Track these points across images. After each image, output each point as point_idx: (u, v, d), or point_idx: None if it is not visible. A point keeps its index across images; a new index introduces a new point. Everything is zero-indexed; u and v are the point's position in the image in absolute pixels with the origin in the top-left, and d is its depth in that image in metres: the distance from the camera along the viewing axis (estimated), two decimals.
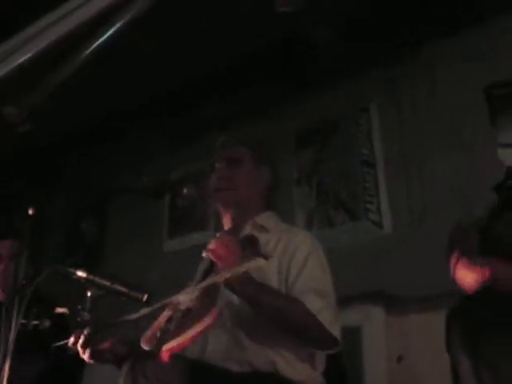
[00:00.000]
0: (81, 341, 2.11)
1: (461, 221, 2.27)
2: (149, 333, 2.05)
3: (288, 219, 3.88)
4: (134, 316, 1.88)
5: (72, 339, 2.12)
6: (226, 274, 1.88)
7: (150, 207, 4.62)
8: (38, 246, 1.92)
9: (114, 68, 3.87)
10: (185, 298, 1.98)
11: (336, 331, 2.02)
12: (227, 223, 2.42)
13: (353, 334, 3.42)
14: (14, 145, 4.50)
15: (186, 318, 1.91)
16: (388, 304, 3.41)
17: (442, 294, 2.71)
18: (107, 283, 1.86)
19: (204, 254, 2.05)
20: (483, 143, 3.31)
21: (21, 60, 3.62)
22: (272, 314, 2.00)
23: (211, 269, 2.06)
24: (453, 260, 2.06)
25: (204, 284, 1.93)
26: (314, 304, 2.00)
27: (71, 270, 1.83)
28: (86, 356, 2.11)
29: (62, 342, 2.10)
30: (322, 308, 2.01)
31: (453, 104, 3.56)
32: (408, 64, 3.77)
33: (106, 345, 2.11)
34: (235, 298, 2.04)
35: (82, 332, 2.13)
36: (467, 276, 1.94)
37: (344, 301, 3.34)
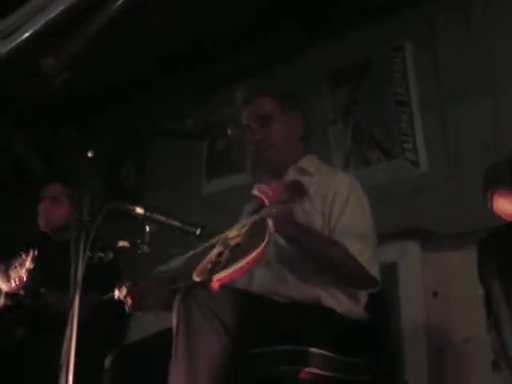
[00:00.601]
0: (123, 293, 2.23)
1: (495, 162, 2.30)
2: (200, 266, 2.17)
3: (325, 160, 3.95)
4: (180, 260, 1.97)
5: (116, 292, 2.24)
6: (272, 209, 1.97)
7: (188, 150, 4.69)
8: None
9: (145, 17, 3.92)
10: (234, 234, 2.09)
11: (375, 272, 2.12)
12: (267, 171, 2.46)
13: (389, 270, 3.50)
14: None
15: (235, 253, 2.01)
16: (423, 241, 3.46)
17: (476, 231, 2.75)
18: (163, 218, 1.96)
19: (254, 192, 2.13)
20: None
21: (55, 12, 3.68)
22: (313, 255, 2.09)
23: (259, 209, 2.12)
24: (489, 194, 2.11)
25: (251, 220, 2.02)
26: (354, 246, 2.09)
27: (129, 206, 1.94)
28: (131, 307, 2.25)
29: (110, 295, 2.22)
30: (361, 250, 2.10)
31: (489, 47, 3.52)
32: (444, 2, 3.72)
33: (147, 291, 2.24)
34: (280, 239, 2.12)
35: (123, 284, 2.25)
36: (505, 205, 1.99)
37: (381, 238, 3.46)
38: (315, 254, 2.09)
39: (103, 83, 4.86)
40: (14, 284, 2.84)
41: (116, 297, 2.26)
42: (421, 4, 3.79)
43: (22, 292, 2.90)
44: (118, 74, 4.76)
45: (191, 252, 1.94)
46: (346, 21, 4.07)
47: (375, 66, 4.03)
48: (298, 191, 2.15)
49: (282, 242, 2.14)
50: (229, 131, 2.18)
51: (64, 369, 1.68)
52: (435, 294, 3.37)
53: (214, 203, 4.33)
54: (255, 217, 2.00)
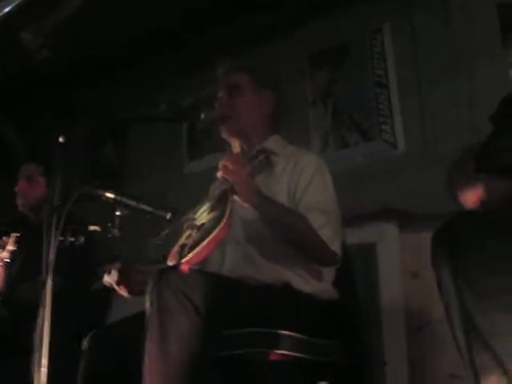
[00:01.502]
0: (114, 278, 2.22)
1: (459, 155, 2.31)
2: (173, 250, 2.19)
3: (304, 140, 3.99)
4: (156, 240, 1.98)
5: (105, 278, 2.23)
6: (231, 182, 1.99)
7: (170, 131, 4.70)
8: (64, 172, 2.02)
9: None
10: (199, 215, 2.10)
11: (336, 247, 2.13)
12: (235, 148, 2.45)
13: (368, 251, 3.54)
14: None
15: (201, 232, 2.03)
16: (402, 222, 3.48)
17: (453, 213, 2.78)
18: (133, 203, 1.97)
19: (218, 174, 2.14)
20: (496, 69, 3.34)
21: None
22: (278, 227, 2.10)
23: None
24: (449, 183, 2.12)
25: (214, 196, 2.03)
26: (316, 220, 2.10)
27: (100, 191, 1.95)
28: (123, 292, 2.23)
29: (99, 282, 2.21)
30: (323, 224, 2.11)
31: (467, 30, 3.55)
32: None
33: (138, 277, 2.21)
34: (246, 214, 2.13)
35: (111, 268, 2.25)
36: (465, 195, 2.01)
37: (359, 219, 3.50)
38: (279, 225, 2.10)
39: (80, 65, 4.83)
40: None
41: (106, 283, 2.24)
42: None
43: None
44: (95, 55, 4.74)
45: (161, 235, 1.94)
46: (326, 3, 4.05)
47: (355, 47, 4.05)
48: (263, 162, 2.16)
49: (247, 217, 2.16)
50: (202, 115, 2.18)
51: (37, 352, 1.70)
52: (414, 275, 3.40)
53: (195, 183, 4.34)
54: (217, 191, 2.02)
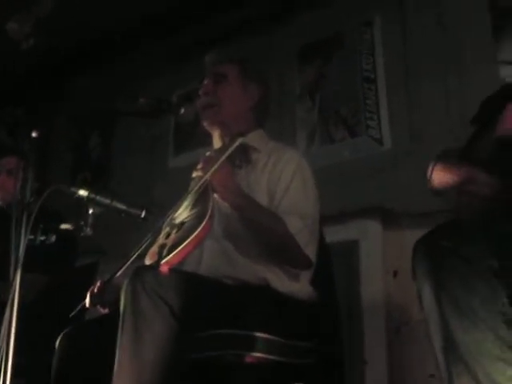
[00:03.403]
0: (88, 301, 2.12)
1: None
2: (152, 249, 2.15)
3: (290, 134, 3.96)
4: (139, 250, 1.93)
5: (87, 299, 2.14)
6: (211, 172, 1.95)
7: (156, 124, 4.66)
8: (43, 165, 1.98)
9: None
10: (179, 214, 2.07)
11: (310, 252, 2.12)
12: (216, 143, 2.42)
13: (351, 248, 3.53)
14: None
15: (182, 232, 2.00)
16: (385, 219, 3.48)
17: (438, 211, 2.76)
18: (107, 201, 1.93)
19: (194, 175, 2.10)
20: (486, 65, 3.32)
21: None
22: (255, 227, 2.08)
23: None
24: (429, 170, 2.07)
25: (193, 194, 2.01)
26: (293, 224, 2.08)
27: (73, 189, 1.91)
28: (103, 311, 2.17)
29: (78, 308, 2.14)
30: (300, 229, 2.09)
31: (457, 24, 3.54)
32: None
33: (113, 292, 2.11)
34: (225, 209, 2.10)
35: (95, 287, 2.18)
36: (444, 176, 1.95)
37: (343, 216, 3.48)
38: (256, 225, 2.08)
39: (65, 53, 4.78)
40: None
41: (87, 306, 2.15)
42: None
43: None
44: (81, 44, 4.69)
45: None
46: None
47: (344, 41, 4.02)
48: (243, 158, 2.16)
49: (226, 213, 2.12)
50: (182, 110, 2.13)
51: (3, 351, 1.66)
52: (395, 274, 3.39)
53: (180, 177, 4.30)
54: (195, 187, 1.98)
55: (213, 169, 1.94)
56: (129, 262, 1.92)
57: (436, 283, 1.60)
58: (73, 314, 2.07)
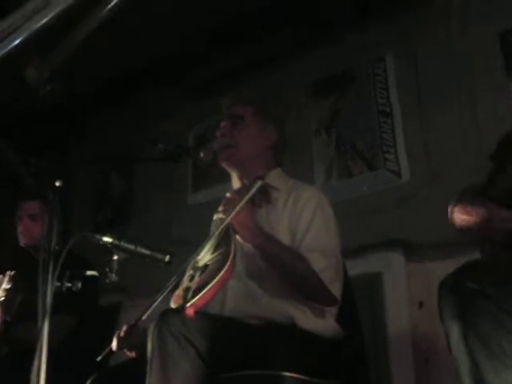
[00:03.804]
0: (115, 345, 2.13)
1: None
2: (176, 292, 2.17)
3: (307, 170, 3.98)
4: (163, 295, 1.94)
5: (114, 343, 2.15)
6: (232, 216, 1.97)
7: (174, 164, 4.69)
8: (65, 207, 2.01)
9: (126, 28, 3.90)
10: (202, 257, 2.09)
11: (336, 291, 2.13)
12: (236, 183, 2.44)
13: (374, 281, 3.52)
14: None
15: (204, 275, 2.01)
16: (408, 251, 3.47)
17: (459, 241, 2.75)
18: (131, 247, 1.96)
19: (215, 217, 2.13)
20: (499, 94, 3.33)
21: (39, 24, 3.67)
22: (278, 266, 2.09)
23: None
24: (450, 211, 2.08)
25: (215, 237, 2.03)
26: (317, 263, 2.09)
27: (98, 236, 1.93)
28: (130, 355, 2.18)
29: (105, 351, 2.16)
30: (324, 267, 2.10)
31: (469, 55, 3.55)
32: (422, 13, 3.75)
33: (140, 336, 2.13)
34: (247, 249, 2.12)
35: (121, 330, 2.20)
36: (464, 218, 1.95)
37: (365, 249, 3.48)
38: (279, 264, 2.09)
39: (84, 94, 4.85)
40: None
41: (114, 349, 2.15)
42: (400, 17, 3.80)
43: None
44: (100, 85, 4.76)
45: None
46: (328, 33, 4.07)
47: (357, 76, 4.05)
48: (263, 198, 2.18)
49: (248, 252, 2.14)
50: (201, 154, 2.17)
51: None
52: (421, 305, 3.37)
53: (199, 214, 4.34)
54: (218, 230, 2.01)
55: (233, 213, 1.96)
56: (154, 305, 1.94)
57: (464, 324, 1.58)
58: (100, 357, 2.08)
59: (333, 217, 2.27)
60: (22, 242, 3.46)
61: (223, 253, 2.03)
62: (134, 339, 2.13)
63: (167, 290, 1.91)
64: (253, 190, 2.06)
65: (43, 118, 5.10)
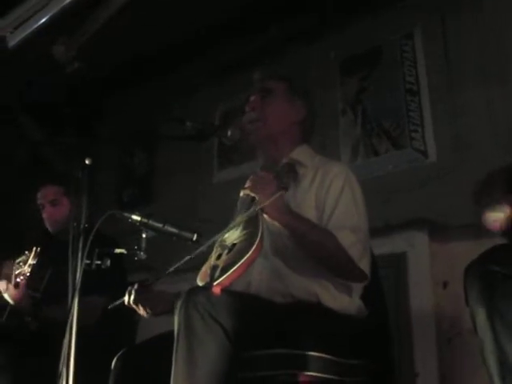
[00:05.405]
0: (132, 297, 2.18)
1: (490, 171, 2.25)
2: (202, 269, 2.18)
3: (334, 148, 3.96)
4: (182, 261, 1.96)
5: (126, 298, 2.20)
6: (263, 202, 1.97)
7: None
8: (92, 187, 2.03)
9: (151, 5, 3.91)
10: (229, 235, 2.09)
11: (364, 266, 2.12)
12: (263, 158, 2.45)
13: (399, 260, 3.52)
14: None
15: (232, 253, 2.02)
16: (432, 231, 3.45)
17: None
18: (159, 225, 1.97)
19: (241, 194, 2.13)
20: None
21: (65, 2, 3.69)
22: (306, 244, 2.09)
23: (251, 204, 2.13)
24: (476, 202, 2.07)
25: (244, 216, 2.03)
26: (346, 239, 2.08)
27: (126, 214, 1.95)
28: (142, 312, 2.22)
29: (117, 302, 2.21)
30: (353, 243, 2.09)
31: (499, 33, 3.48)
32: None
33: (159, 297, 2.22)
34: (274, 228, 2.11)
35: (132, 289, 2.23)
36: (495, 220, 1.95)
37: (389, 228, 3.47)
38: (308, 242, 2.09)
39: (110, 71, 4.87)
40: (17, 280, 2.92)
41: (126, 303, 2.21)
42: None
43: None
44: (124, 63, 4.77)
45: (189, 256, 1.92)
46: (357, 8, 4.03)
47: (385, 54, 4.01)
48: (290, 175, 2.17)
49: (275, 231, 2.14)
50: (229, 132, 2.17)
51: (64, 374, 1.71)
52: (445, 285, 3.36)
53: (224, 192, 4.34)
54: (248, 213, 2.01)
55: (267, 202, 1.96)
56: (171, 270, 1.95)
57: (489, 309, 1.58)
58: (111, 306, 2.13)
59: (360, 192, 2.26)
60: (50, 228, 3.49)
61: (251, 232, 2.02)
62: (148, 298, 2.18)
63: (184, 260, 1.91)
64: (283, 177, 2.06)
65: (68, 97, 5.13)
